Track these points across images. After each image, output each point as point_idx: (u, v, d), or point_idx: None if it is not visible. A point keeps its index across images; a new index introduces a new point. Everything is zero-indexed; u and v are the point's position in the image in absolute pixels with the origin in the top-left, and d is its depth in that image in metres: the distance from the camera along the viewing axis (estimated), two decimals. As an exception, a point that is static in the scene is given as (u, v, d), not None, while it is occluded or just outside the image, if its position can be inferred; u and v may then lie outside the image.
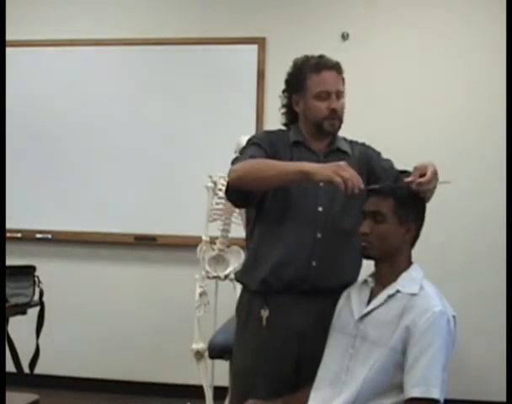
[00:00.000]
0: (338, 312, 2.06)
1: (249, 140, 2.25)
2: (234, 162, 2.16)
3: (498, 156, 3.77)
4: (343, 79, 2.21)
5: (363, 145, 2.31)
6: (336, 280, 2.13)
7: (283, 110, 2.31)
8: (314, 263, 2.12)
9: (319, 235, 2.13)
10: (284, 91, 2.28)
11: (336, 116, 2.16)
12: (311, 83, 2.16)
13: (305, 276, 2.11)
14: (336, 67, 2.19)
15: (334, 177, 1.88)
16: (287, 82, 2.26)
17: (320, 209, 2.14)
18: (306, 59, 2.22)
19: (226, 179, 2.14)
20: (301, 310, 2.12)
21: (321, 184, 2.10)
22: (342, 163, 1.93)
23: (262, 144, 2.18)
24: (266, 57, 4.10)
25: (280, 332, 2.13)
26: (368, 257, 2.01)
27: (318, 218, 2.13)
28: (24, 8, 4.31)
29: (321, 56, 2.21)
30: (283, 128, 2.32)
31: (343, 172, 1.89)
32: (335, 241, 2.14)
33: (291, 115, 2.28)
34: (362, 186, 1.91)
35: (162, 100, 4.19)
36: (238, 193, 2.08)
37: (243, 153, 2.18)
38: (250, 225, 2.26)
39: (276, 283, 2.13)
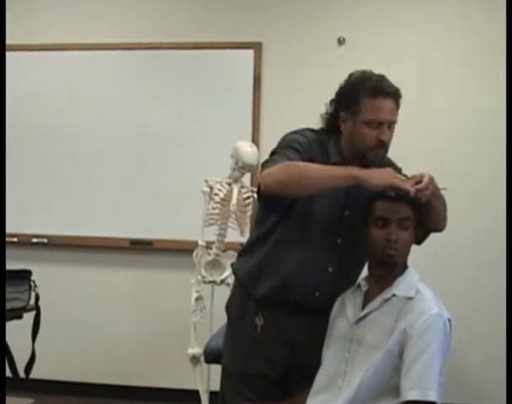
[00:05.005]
0: (333, 319, 2.06)
1: (287, 140, 2.09)
2: (266, 164, 2.02)
3: (498, 162, 3.77)
4: (398, 105, 2.05)
5: (390, 164, 2.15)
6: (333, 303, 2.11)
7: (325, 116, 2.14)
8: (317, 294, 2.11)
9: (330, 269, 2.10)
10: (332, 101, 2.11)
11: (383, 147, 2.02)
12: (364, 108, 1.98)
13: (305, 300, 2.11)
14: (394, 95, 2.02)
15: (393, 180, 1.83)
16: (338, 95, 2.09)
17: (339, 241, 2.09)
18: (365, 78, 2.02)
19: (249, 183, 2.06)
20: (296, 320, 2.12)
21: (346, 213, 2.06)
22: (390, 169, 1.90)
23: (301, 151, 2.03)
24: (262, 62, 4.10)
25: (272, 340, 2.13)
26: (392, 265, 1.95)
27: (335, 252, 2.08)
28: (24, 12, 4.31)
29: (381, 79, 2.03)
30: (317, 127, 2.17)
31: (396, 176, 1.86)
32: (344, 273, 2.12)
33: (333, 127, 2.10)
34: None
35: (159, 105, 4.18)
36: (273, 197, 1.96)
37: (279, 154, 2.03)
38: (266, 228, 2.14)
39: (276, 298, 2.12)
